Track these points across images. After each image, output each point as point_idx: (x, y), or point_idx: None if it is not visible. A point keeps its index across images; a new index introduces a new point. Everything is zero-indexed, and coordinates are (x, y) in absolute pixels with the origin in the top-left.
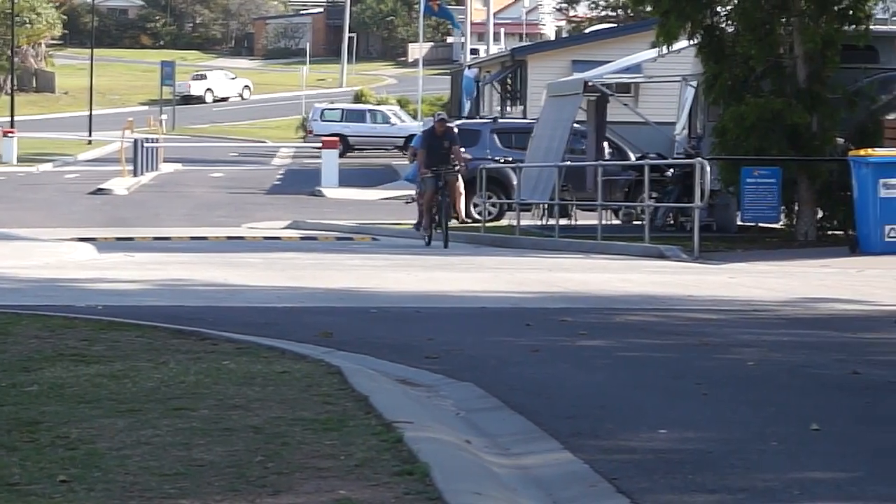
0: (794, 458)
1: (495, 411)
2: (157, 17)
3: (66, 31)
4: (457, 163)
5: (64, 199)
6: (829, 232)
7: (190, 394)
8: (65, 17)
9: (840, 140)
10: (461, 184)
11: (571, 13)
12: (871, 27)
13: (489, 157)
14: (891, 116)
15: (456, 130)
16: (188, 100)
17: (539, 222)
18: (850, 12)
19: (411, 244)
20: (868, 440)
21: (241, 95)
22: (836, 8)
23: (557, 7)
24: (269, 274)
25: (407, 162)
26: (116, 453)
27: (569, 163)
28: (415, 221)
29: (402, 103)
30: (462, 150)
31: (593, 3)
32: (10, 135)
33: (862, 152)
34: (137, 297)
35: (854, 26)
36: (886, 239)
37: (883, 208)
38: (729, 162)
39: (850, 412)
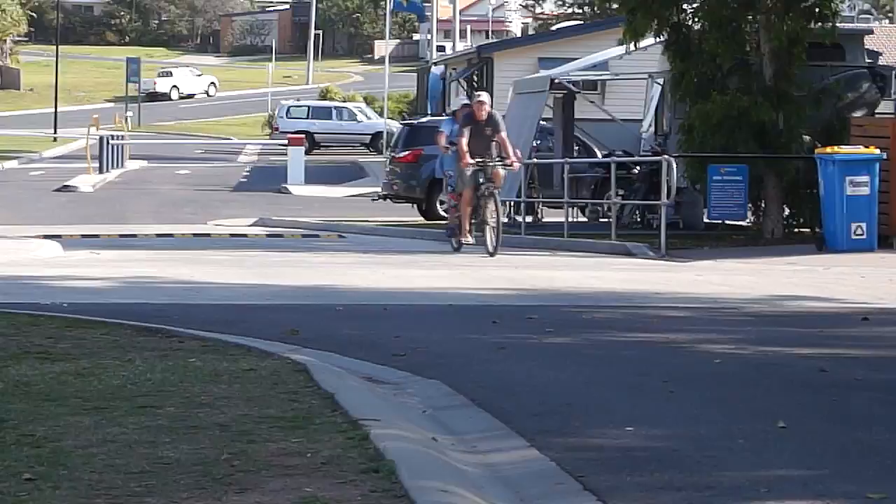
0: (760, 455)
1: (462, 409)
2: (123, 14)
3: (31, 28)
4: (506, 155)
5: (29, 196)
6: (796, 229)
7: (156, 391)
8: (31, 14)
9: (806, 138)
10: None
11: (538, 10)
12: (838, 25)
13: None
14: (857, 114)
15: (500, 118)
16: (154, 97)
17: (505, 219)
18: (817, 10)
19: (378, 241)
20: (835, 438)
21: (207, 92)
22: (802, 5)
23: (524, 4)
24: (235, 271)
25: (443, 152)
26: (82, 451)
27: (535, 160)
28: (446, 224)
29: (369, 100)
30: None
31: (560, 0)
32: None
33: (828, 150)
34: (103, 294)
35: (820, 24)
36: (853, 237)
37: (849, 206)
38: (696, 159)
39: (817, 410)
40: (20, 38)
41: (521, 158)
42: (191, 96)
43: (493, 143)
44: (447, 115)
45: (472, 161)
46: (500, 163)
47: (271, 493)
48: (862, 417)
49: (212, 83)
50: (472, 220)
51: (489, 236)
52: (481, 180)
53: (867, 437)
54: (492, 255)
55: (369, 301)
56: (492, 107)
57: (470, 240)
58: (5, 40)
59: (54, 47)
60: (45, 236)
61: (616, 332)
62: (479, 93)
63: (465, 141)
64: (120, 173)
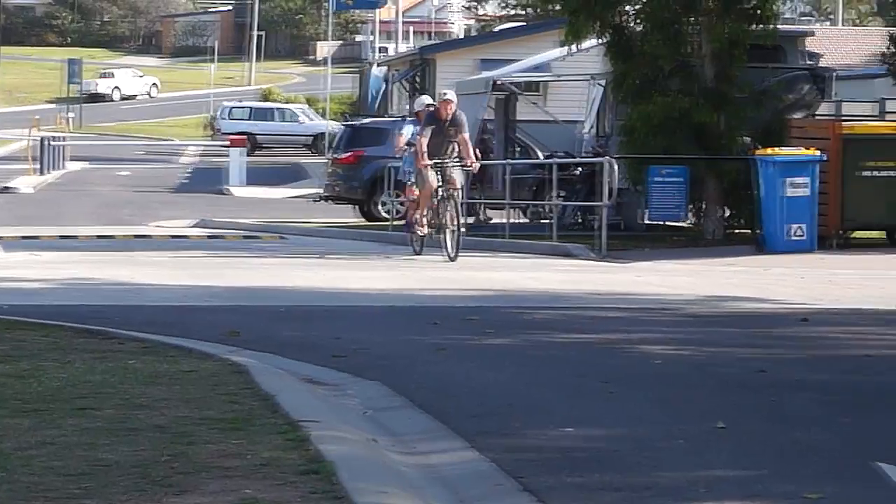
0: (700, 455)
1: (402, 410)
2: (64, 15)
3: None
4: (466, 156)
5: None
6: (736, 231)
7: (95, 393)
8: None
9: (746, 139)
10: (461, 183)
11: (480, 12)
12: (778, 27)
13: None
14: (797, 116)
15: (464, 118)
16: (95, 98)
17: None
18: (757, 12)
19: (319, 242)
20: (773, 438)
21: (148, 93)
22: (742, 8)
23: (466, 6)
24: (175, 273)
25: (397, 154)
26: (21, 453)
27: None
28: (405, 220)
29: (310, 102)
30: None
31: (502, 1)
32: None
33: (768, 151)
34: (43, 296)
35: (761, 26)
36: (792, 238)
37: (788, 207)
38: (636, 161)
39: (755, 410)
40: None
41: (479, 159)
42: (132, 97)
43: (455, 143)
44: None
45: (429, 162)
46: (458, 164)
47: (210, 495)
48: (800, 418)
49: (153, 84)
50: (432, 221)
51: (449, 241)
52: (440, 181)
53: (805, 437)
54: (452, 259)
55: (310, 302)
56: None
57: (424, 231)
58: None
59: None
60: None
61: (556, 333)
62: (445, 91)
63: (424, 141)
64: (60, 174)
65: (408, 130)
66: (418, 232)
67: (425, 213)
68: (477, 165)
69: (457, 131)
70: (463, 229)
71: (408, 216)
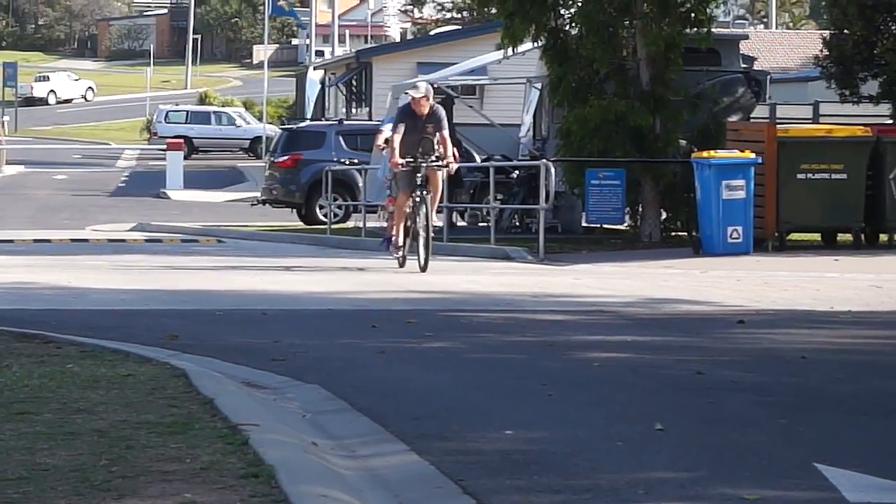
0: (638, 457)
1: (341, 413)
2: (1, 17)
3: None
4: (444, 155)
5: None
6: (673, 233)
7: (33, 398)
8: None
9: (683, 142)
10: (442, 183)
11: (416, 15)
12: (713, 30)
13: (335, 158)
14: (733, 118)
15: (443, 114)
16: (31, 101)
17: (384, 224)
18: (692, 15)
19: (258, 246)
20: (711, 440)
21: (84, 97)
22: (677, 11)
23: (402, 9)
24: (113, 276)
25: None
26: None
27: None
28: (384, 233)
29: (248, 105)
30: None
31: (438, 5)
32: None
33: (705, 154)
34: None
35: (696, 29)
36: (728, 240)
37: (725, 210)
38: (573, 164)
39: (693, 412)
40: None
41: (458, 159)
42: (68, 101)
43: (433, 141)
44: (334, 121)
45: (402, 161)
46: (435, 163)
47: (150, 499)
48: (737, 419)
49: (89, 88)
50: (407, 225)
51: (421, 248)
52: (417, 183)
53: (742, 438)
54: (423, 270)
55: (248, 306)
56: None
57: (400, 254)
58: None
59: None
60: None
61: (495, 336)
62: (418, 83)
63: (397, 138)
64: None
65: (388, 128)
66: (396, 254)
67: (403, 223)
68: (454, 167)
69: (435, 128)
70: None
71: (387, 230)
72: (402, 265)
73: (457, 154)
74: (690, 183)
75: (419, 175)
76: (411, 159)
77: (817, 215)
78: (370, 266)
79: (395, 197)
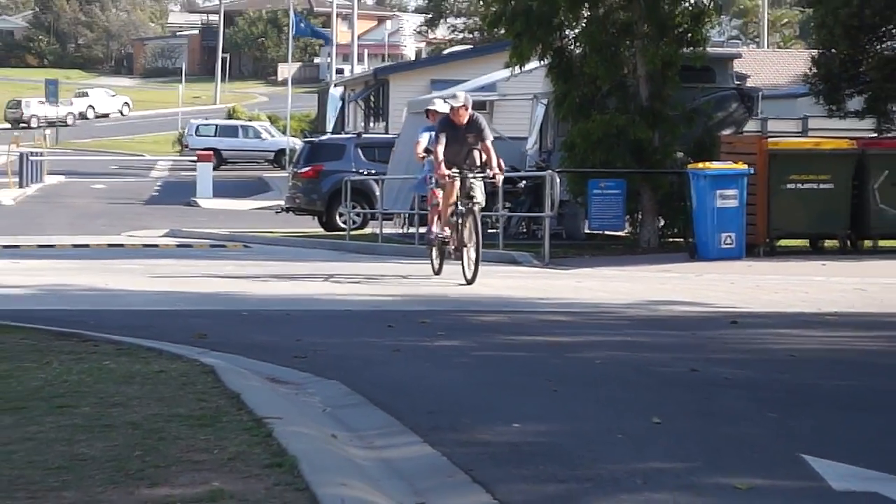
0: (637, 449)
1: (359, 407)
2: (42, 38)
3: None
4: (489, 164)
5: None
6: (670, 239)
7: (72, 392)
8: None
9: (679, 154)
10: (482, 196)
11: (430, 36)
12: (708, 49)
13: (354, 169)
14: (726, 132)
15: (484, 123)
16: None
17: (400, 231)
18: (688, 36)
19: (282, 251)
20: (705, 433)
21: (121, 112)
22: (675, 32)
23: (417, 30)
24: (146, 279)
25: (418, 161)
26: (3, 448)
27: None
28: (425, 234)
29: (273, 119)
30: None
31: (451, 26)
32: None
33: (700, 165)
34: (23, 301)
35: (692, 49)
36: (722, 246)
37: (719, 217)
38: (577, 174)
39: (689, 407)
40: None
41: (503, 169)
42: (106, 116)
43: (476, 151)
44: (353, 134)
45: (448, 172)
46: (480, 175)
47: (181, 487)
48: (730, 413)
49: (125, 103)
50: (452, 238)
51: (466, 261)
52: (460, 195)
53: (735, 431)
54: (469, 282)
55: (272, 307)
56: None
57: (446, 232)
58: None
59: None
60: None
61: (503, 336)
62: (456, 94)
63: (441, 149)
64: (39, 187)
65: (425, 137)
66: (434, 244)
67: (445, 228)
68: (501, 177)
69: (477, 137)
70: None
71: (427, 224)
72: (437, 272)
73: (503, 164)
74: (686, 192)
75: (465, 185)
76: (457, 171)
77: (805, 223)
78: (387, 270)
79: (437, 193)
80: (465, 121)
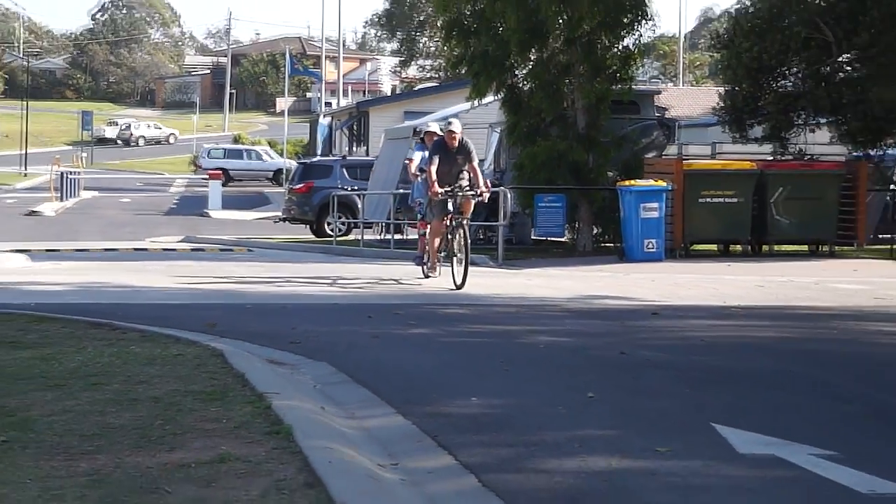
0: (575, 419)
1: (344, 385)
2: (79, 76)
3: (6, 87)
4: (475, 184)
5: (4, 219)
6: (603, 244)
7: (104, 372)
8: (5, 76)
9: (611, 173)
10: (471, 211)
11: (404, 74)
12: (634, 87)
13: (339, 186)
14: (649, 155)
15: (472, 146)
16: (103, 141)
17: (378, 237)
18: (618, 75)
19: (279, 254)
20: (632, 406)
21: (168, 140)
22: (606, 72)
23: (393, 70)
24: (166, 278)
25: (411, 179)
26: (46, 419)
27: (401, 190)
28: (416, 252)
29: (272, 144)
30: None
31: (421, 66)
32: None
33: (627, 183)
34: (62, 296)
35: (621, 86)
36: (646, 250)
37: (643, 226)
38: (525, 190)
39: (618, 384)
40: None
41: (490, 188)
42: (159, 142)
43: (464, 171)
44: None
45: (440, 190)
46: (470, 193)
47: (194, 451)
48: (653, 390)
49: (172, 134)
50: (442, 252)
51: (456, 268)
52: (450, 210)
53: (657, 404)
54: (459, 287)
55: (271, 301)
56: (462, 138)
57: (436, 274)
58: None
59: (24, 102)
60: (16, 250)
61: (464, 325)
62: (450, 120)
63: (434, 169)
64: (76, 201)
65: (418, 156)
66: (430, 274)
67: (436, 244)
68: (487, 195)
69: (465, 159)
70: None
71: (419, 249)
72: (426, 277)
73: (489, 183)
74: (616, 205)
75: (454, 202)
76: (448, 188)
77: (715, 231)
78: (367, 271)
79: (429, 221)
80: (456, 144)
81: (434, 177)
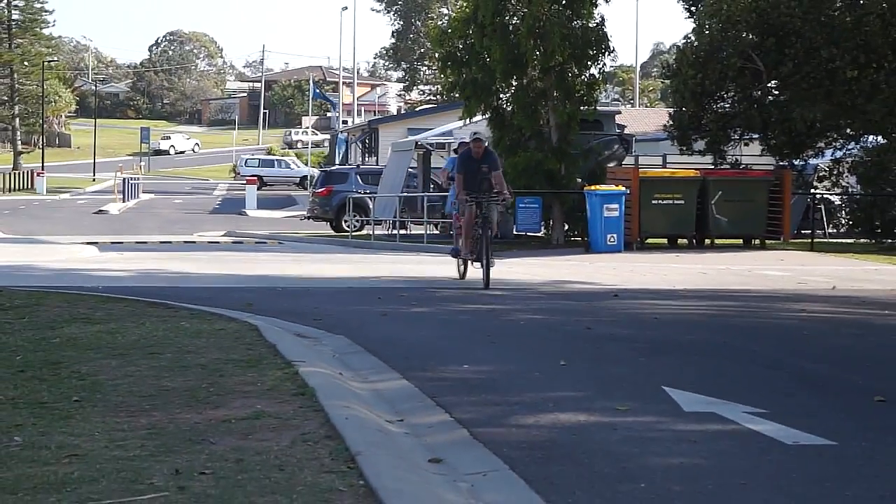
0: (549, 383)
1: (358, 354)
2: (139, 98)
3: (78, 107)
4: (499, 190)
5: (76, 217)
6: (573, 238)
7: (159, 343)
8: (77, 98)
9: (579, 179)
10: (496, 218)
11: (408, 97)
12: (598, 108)
13: (354, 190)
14: (610, 165)
15: (496, 156)
16: (159, 152)
17: (387, 232)
18: (585, 98)
19: (305, 246)
20: (596, 372)
21: (193, 150)
22: (575, 96)
23: (398, 94)
24: (211, 265)
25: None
26: (111, 382)
27: (405, 193)
28: (452, 246)
29: (298, 155)
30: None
31: (422, 90)
32: (41, 175)
33: (593, 187)
34: (125, 280)
35: (587, 107)
36: (608, 243)
37: (605, 223)
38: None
39: (585, 354)
40: (70, 114)
41: (511, 192)
42: (182, 152)
43: (489, 179)
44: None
45: (467, 197)
46: (494, 198)
47: (234, 409)
48: (613, 358)
49: (196, 143)
50: (473, 250)
51: (484, 271)
52: (483, 212)
53: (617, 371)
54: (486, 288)
55: (298, 284)
56: (479, 147)
57: (471, 256)
58: (61, 115)
59: (93, 120)
60: (87, 243)
61: (457, 304)
62: (476, 132)
63: (461, 178)
64: (136, 202)
65: (449, 164)
66: (463, 256)
67: (469, 247)
68: (510, 199)
69: (490, 168)
70: (494, 260)
71: (455, 242)
72: (462, 277)
73: (511, 189)
74: (584, 206)
75: (479, 208)
76: (475, 195)
77: (665, 227)
78: (377, 260)
79: (462, 214)
80: (482, 153)
81: (461, 185)
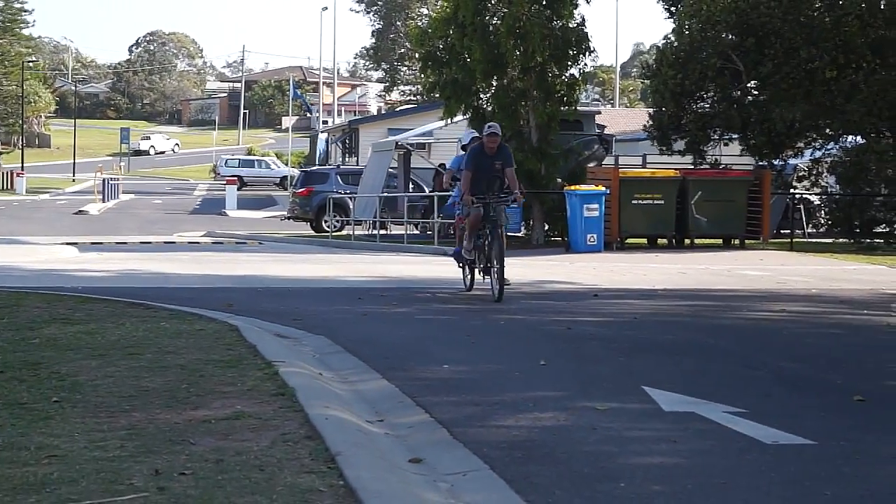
0: (529, 383)
1: (338, 354)
2: (119, 98)
3: (57, 107)
4: (511, 190)
5: (56, 217)
6: (553, 238)
7: (139, 343)
8: (56, 98)
9: (559, 179)
10: (504, 215)
11: (388, 97)
12: (578, 108)
13: (335, 190)
14: (591, 165)
15: (510, 151)
16: (139, 152)
17: (367, 232)
18: (565, 98)
19: (285, 247)
20: (577, 372)
21: (173, 150)
22: (556, 96)
23: (378, 94)
24: (191, 265)
25: (447, 188)
26: (91, 383)
27: (386, 193)
28: (455, 250)
29: (278, 155)
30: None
31: (402, 91)
32: (20, 176)
33: (573, 187)
34: (105, 280)
35: (567, 107)
36: (588, 243)
37: (586, 223)
38: None
39: (565, 354)
40: (50, 115)
41: (524, 192)
42: (162, 152)
43: (501, 178)
44: (334, 166)
45: (472, 198)
46: (503, 199)
47: (214, 409)
48: (593, 358)
49: (176, 144)
50: (480, 257)
51: (493, 280)
52: (491, 214)
53: (597, 370)
54: (497, 301)
55: (278, 285)
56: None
57: (470, 257)
58: (40, 115)
59: (73, 120)
60: (67, 243)
61: (437, 304)
62: (491, 123)
63: (468, 177)
64: (116, 202)
65: (454, 164)
66: (464, 255)
67: (471, 247)
68: (522, 199)
69: (503, 165)
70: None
71: (457, 241)
72: (469, 289)
73: (522, 188)
74: (564, 206)
75: (486, 210)
76: (482, 195)
77: (645, 227)
78: (357, 259)
79: (466, 216)
80: (495, 148)
81: (467, 186)
